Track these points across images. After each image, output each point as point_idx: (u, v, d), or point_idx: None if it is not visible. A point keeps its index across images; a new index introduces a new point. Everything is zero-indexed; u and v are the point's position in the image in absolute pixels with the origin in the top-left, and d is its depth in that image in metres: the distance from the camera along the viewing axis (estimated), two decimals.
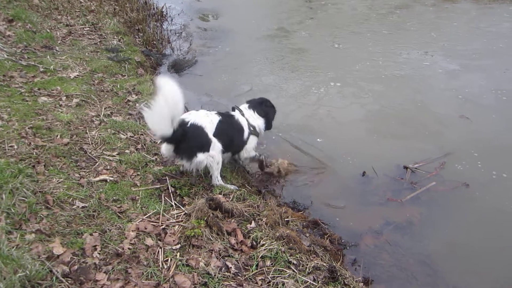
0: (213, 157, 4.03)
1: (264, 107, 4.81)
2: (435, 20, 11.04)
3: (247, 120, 4.56)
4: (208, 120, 4.05)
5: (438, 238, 4.24)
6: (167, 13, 11.55)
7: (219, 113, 4.28)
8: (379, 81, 7.59)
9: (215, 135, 4.05)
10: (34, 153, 3.87)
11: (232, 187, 4.24)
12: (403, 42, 9.38)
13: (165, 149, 3.94)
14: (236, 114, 4.54)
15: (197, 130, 3.91)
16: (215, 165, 4.10)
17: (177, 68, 8.31)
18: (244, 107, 4.72)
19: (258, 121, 4.71)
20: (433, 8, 12.03)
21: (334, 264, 3.32)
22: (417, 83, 7.49)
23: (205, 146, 3.97)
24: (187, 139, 3.83)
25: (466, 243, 4.20)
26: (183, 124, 3.84)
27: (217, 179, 4.21)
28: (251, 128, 4.58)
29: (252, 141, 4.66)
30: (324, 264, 3.30)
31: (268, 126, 4.88)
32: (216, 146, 4.06)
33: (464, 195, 4.79)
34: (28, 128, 4.27)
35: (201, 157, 3.94)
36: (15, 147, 3.87)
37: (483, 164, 5.22)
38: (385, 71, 7.95)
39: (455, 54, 8.65)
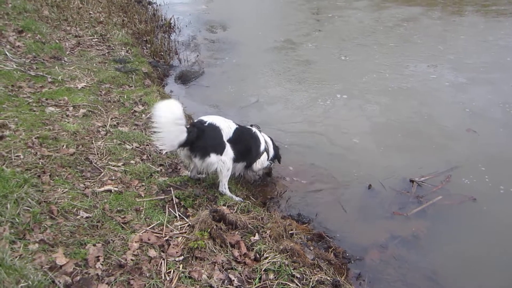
0: (224, 162, 4.07)
1: (275, 145, 5.07)
2: (442, 33, 11.04)
3: (263, 137, 4.76)
4: (226, 125, 4.14)
5: (444, 253, 4.18)
6: (175, 25, 11.70)
7: (237, 124, 4.38)
8: (385, 93, 7.58)
9: (230, 141, 4.13)
10: (40, 163, 3.89)
11: (238, 199, 4.23)
12: (410, 55, 9.38)
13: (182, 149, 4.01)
14: (253, 128, 4.69)
15: (214, 130, 4.00)
16: (225, 171, 4.13)
17: (184, 79, 8.38)
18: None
19: (270, 148, 4.91)
20: (440, 21, 12.04)
21: (338, 278, 3.30)
22: (424, 96, 7.47)
23: (219, 148, 4.03)
24: (203, 137, 3.90)
25: (473, 259, 4.13)
26: (201, 123, 3.97)
27: (224, 186, 4.23)
28: (266, 146, 4.74)
29: (264, 157, 4.79)
30: (328, 278, 3.27)
31: (278, 160, 5.15)
32: (229, 152, 4.12)
33: (471, 210, 4.73)
34: (35, 138, 4.29)
35: (213, 158, 3.99)
36: (22, 156, 3.90)
37: (490, 178, 5.16)
38: (392, 83, 7.95)
39: (462, 67, 8.62)
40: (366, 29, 11.42)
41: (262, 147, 4.69)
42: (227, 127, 4.13)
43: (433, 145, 5.94)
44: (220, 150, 4.03)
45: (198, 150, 3.95)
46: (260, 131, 4.82)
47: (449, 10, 13.04)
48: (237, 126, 4.30)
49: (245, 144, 4.36)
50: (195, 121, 4.11)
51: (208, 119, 4.05)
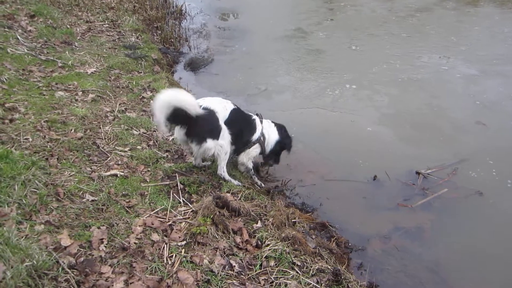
0: (221, 146, 4.07)
1: (283, 131, 4.80)
2: (456, 24, 10.87)
3: (262, 127, 4.57)
4: (221, 106, 4.07)
5: (448, 246, 4.18)
6: (186, 12, 11.65)
7: (235, 105, 4.30)
8: (395, 84, 7.51)
9: (226, 123, 4.08)
10: (48, 146, 3.96)
11: (236, 183, 4.27)
12: (422, 46, 9.25)
13: (177, 132, 4.00)
14: (254, 116, 4.57)
15: (208, 115, 3.91)
16: (222, 155, 4.15)
17: (193, 67, 8.38)
18: (266, 120, 4.72)
19: (271, 136, 4.67)
20: (454, 11, 11.84)
21: (339, 267, 3.32)
22: (434, 87, 7.38)
23: (214, 132, 3.99)
24: (198, 122, 3.83)
25: (477, 252, 4.12)
26: None
27: (222, 170, 4.25)
28: (261, 137, 4.55)
29: (255, 149, 4.60)
30: (329, 267, 3.30)
31: (287, 149, 4.88)
32: (226, 136, 4.10)
33: (477, 203, 4.70)
34: (44, 122, 4.36)
35: (210, 143, 3.97)
36: (30, 139, 3.96)
37: (498, 172, 5.11)
38: (402, 74, 7.87)
39: (475, 59, 8.49)
40: (378, 19, 11.28)
41: (255, 137, 4.51)
42: (223, 108, 4.07)
43: (441, 137, 5.89)
44: (215, 135, 3.99)
45: (194, 135, 3.94)
46: (261, 121, 4.61)
47: (464, 0, 12.80)
48: (235, 107, 4.23)
49: (239, 127, 4.27)
50: None
51: (204, 102, 3.97)
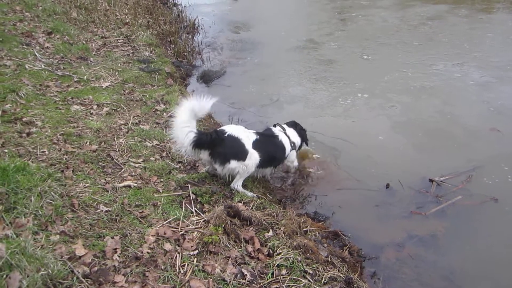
0: (246, 166, 4.23)
1: (299, 130, 5.11)
2: (468, 31, 10.80)
3: (289, 137, 4.83)
4: (245, 135, 4.27)
5: (463, 254, 4.13)
6: (199, 25, 11.86)
7: (257, 133, 4.50)
8: (407, 92, 7.49)
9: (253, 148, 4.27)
10: (64, 159, 4.05)
11: (251, 194, 4.30)
12: (434, 53, 9.22)
13: (202, 153, 4.17)
14: (277, 131, 4.77)
15: (234, 141, 4.16)
16: (244, 173, 4.28)
17: (206, 79, 8.49)
18: (285, 126, 4.99)
19: (297, 138, 4.99)
20: (467, 19, 11.77)
21: (352, 276, 3.30)
22: (447, 95, 7.34)
23: (240, 155, 4.17)
24: (223, 145, 4.09)
25: (492, 260, 4.06)
26: (222, 133, 4.16)
27: (237, 184, 4.33)
28: (292, 144, 4.84)
29: (293, 155, 4.93)
30: (341, 275, 3.28)
31: (305, 143, 5.30)
32: (253, 157, 4.25)
33: (492, 210, 4.64)
34: (60, 135, 4.47)
35: (234, 164, 4.15)
36: (47, 152, 4.06)
37: None
38: (414, 82, 7.84)
39: (488, 65, 8.42)
40: (389, 28, 11.29)
41: (288, 150, 4.78)
42: (246, 138, 4.26)
43: (454, 144, 5.84)
44: (241, 157, 4.17)
45: (218, 156, 4.13)
46: (283, 129, 4.86)
47: (476, 7, 12.73)
48: (257, 136, 4.40)
49: (268, 153, 4.45)
50: (218, 129, 4.28)
51: (229, 129, 4.22)
